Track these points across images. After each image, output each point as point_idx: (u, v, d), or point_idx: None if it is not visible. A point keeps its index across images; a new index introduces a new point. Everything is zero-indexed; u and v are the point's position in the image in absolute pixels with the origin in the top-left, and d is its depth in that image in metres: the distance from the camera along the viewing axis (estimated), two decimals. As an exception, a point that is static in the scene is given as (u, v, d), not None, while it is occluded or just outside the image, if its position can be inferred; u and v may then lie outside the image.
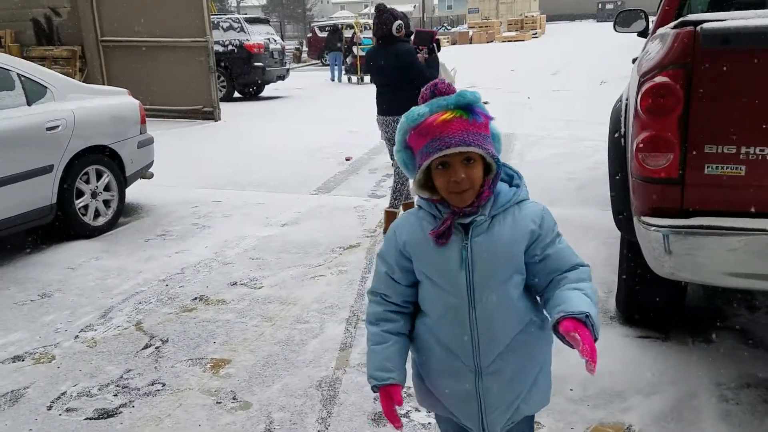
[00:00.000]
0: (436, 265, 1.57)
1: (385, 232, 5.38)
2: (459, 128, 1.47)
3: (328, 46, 20.36)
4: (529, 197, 1.61)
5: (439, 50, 5.33)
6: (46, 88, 5.01)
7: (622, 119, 2.96)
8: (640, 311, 3.25)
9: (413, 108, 1.53)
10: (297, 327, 3.55)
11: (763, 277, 2.34)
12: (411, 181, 1.61)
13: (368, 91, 14.72)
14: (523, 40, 36.71)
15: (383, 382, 1.60)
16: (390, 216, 5.20)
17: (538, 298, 1.63)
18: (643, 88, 2.39)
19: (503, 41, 36.63)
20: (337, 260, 4.58)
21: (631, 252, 2.94)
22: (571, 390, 2.81)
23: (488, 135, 1.52)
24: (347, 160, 8.26)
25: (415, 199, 1.65)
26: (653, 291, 3.05)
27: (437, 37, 5.39)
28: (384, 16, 5.04)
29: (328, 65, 20.61)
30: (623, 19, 5.19)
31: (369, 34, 18.55)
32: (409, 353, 1.70)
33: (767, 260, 2.26)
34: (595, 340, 1.43)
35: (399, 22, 5.09)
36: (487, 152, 1.49)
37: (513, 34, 38.84)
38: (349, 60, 18.79)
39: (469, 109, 1.49)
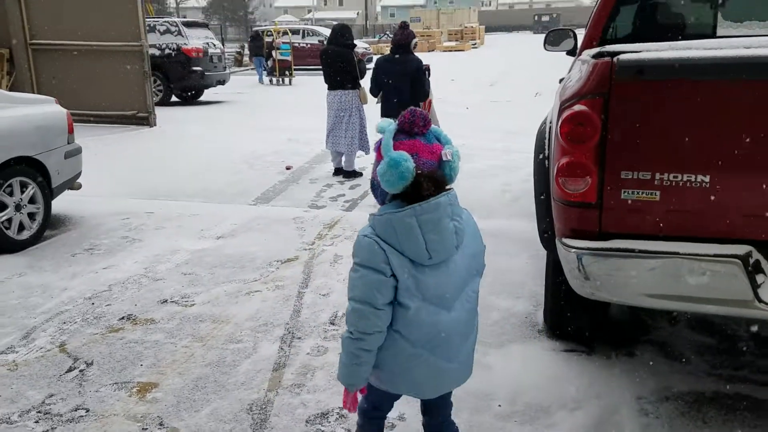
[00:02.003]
0: None
1: None
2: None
3: (253, 51, 22.15)
4: (367, 229, 1.86)
5: (429, 76, 6.67)
6: (-34, 96, 4.80)
7: (546, 141, 3.05)
8: (565, 325, 3.35)
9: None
10: (229, 347, 3.49)
11: (676, 298, 2.44)
12: None
13: (306, 98, 14.64)
14: (463, 50, 37.35)
15: None
16: None
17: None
18: (563, 116, 2.47)
19: (444, 50, 37.16)
20: (273, 275, 4.54)
21: (556, 269, 3.02)
22: (500, 406, 2.87)
23: (378, 160, 1.83)
24: (287, 169, 8.21)
25: None
26: (577, 306, 3.15)
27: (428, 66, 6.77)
28: (407, 32, 6.36)
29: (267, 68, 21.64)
30: (553, 39, 5.34)
31: (287, 39, 21.30)
32: None
33: (680, 282, 2.37)
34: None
35: (416, 39, 6.52)
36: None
37: (453, 44, 39.48)
38: (269, 63, 20.78)
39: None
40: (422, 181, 1.78)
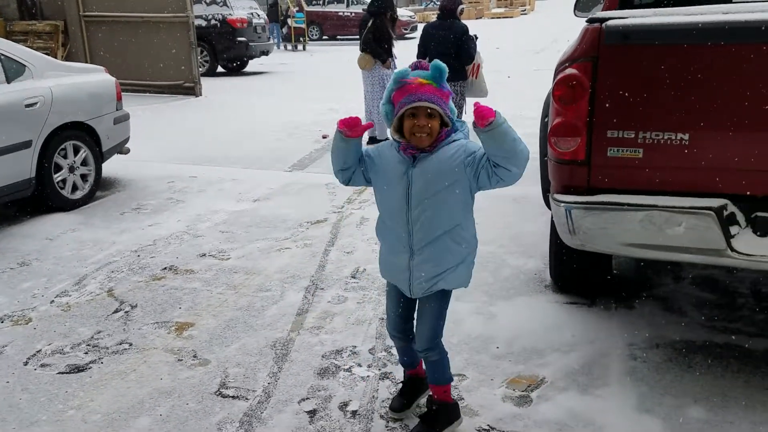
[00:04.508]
0: (390, 179, 2.27)
1: None
2: (429, 91, 2.13)
3: (270, 18, 23.44)
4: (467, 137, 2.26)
5: (476, 40, 6.96)
6: (25, 66, 5.21)
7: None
8: (568, 280, 3.56)
9: (401, 69, 2.18)
10: (259, 295, 3.83)
11: (655, 248, 2.63)
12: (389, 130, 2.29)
13: (347, 69, 14.86)
14: (511, 17, 36.71)
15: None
16: None
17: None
18: (556, 79, 2.66)
19: (492, 18, 36.60)
20: (303, 234, 4.85)
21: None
22: (497, 348, 3.13)
23: (448, 102, 2.17)
24: (324, 137, 8.48)
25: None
26: (579, 261, 3.35)
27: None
28: None
29: (314, 39, 23.97)
30: (583, 4, 5.40)
31: (300, 8, 22.63)
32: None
33: (659, 232, 2.56)
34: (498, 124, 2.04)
35: (462, 6, 6.93)
36: (444, 112, 2.16)
37: (502, 10, 38.78)
38: (284, 30, 22.53)
39: (439, 81, 2.14)
40: None
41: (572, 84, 2.60)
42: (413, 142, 2.19)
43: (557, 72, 2.70)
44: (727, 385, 2.82)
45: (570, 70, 2.62)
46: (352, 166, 2.29)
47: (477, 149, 2.18)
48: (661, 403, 2.70)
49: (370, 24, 7.57)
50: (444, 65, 2.15)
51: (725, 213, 2.51)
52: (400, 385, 2.76)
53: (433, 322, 2.39)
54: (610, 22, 2.55)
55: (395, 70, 2.20)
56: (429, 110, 2.14)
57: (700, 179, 2.56)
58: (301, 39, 22.42)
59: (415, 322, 2.48)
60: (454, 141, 2.21)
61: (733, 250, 2.51)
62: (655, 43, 2.51)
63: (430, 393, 2.54)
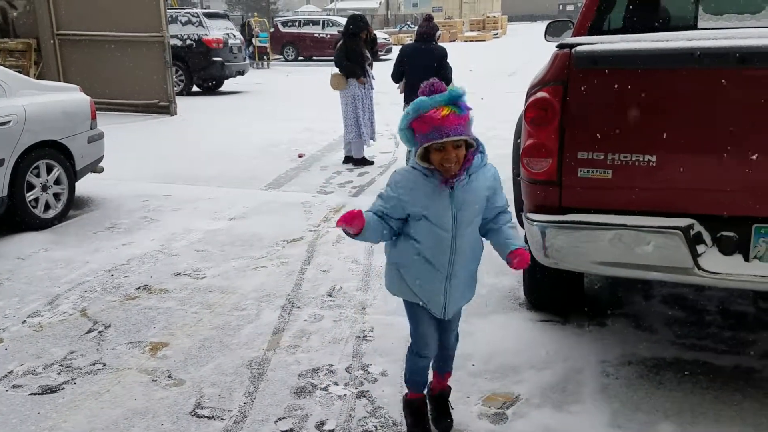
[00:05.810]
0: (432, 208, 2.24)
1: None
2: (453, 122, 2.09)
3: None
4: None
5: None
6: (-2, 84, 5.17)
7: (523, 126, 3.30)
8: (541, 298, 3.61)
9: (418, 99, 2.12)
10: (234, 314, 3.82)
11: (625, 266, 2.71)
12: (411, 152, 2.25)
13: (322, 89, 14.94)
14: (484, 40, 37.40)
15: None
16: None
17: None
18: (528, 102, 2.74)
19: (465, 41, 37.23)
20: (279, 253, 4.86)
21: (531, 245, 3.29)
22: (473, 365, 3.16)
23: (470, 121, 2.14)
24: (300, 156, 8.52)
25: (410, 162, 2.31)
26: (551, 280, 3.41)
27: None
28: (432, 24, 7.12)
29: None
30: (553, 30, 5.54)
31: (265, 28, 25.09)
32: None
33: (628, 251, 2.64)
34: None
35: (440, 31, 7.27)
36: (470, 137, 2.15)
37: (475, 34, 39.55)
38: (250, 49, 23.28)
39: (458, 104, 2.09)
40: None
41: (543, 107, 2.67)
42: (443, 172, 2.21)
43: (529, 95, 2.78)
44: (697, 401, 2.88)
45: (541, 94, 2.69)
46: (385, 229, 2.28)
47: (502, 204, 2.36)
48: (632, 420, 2.75)
49: (339, 44, 7.71)
50: (459, 89, 2.13)
51: (692, 232, 2.59)
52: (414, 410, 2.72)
53: (456, 327, 2.66)
54: (579, 48, 2.63)
55: (414, 101, 2.15)
56: (456, 142, 2.13)
57: (668, 199, 2.64)
58: (265, 57, 24.28)
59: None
60: (485, 165, 2.29)
61: (700, 268, 2.59)
62: (622, 68, 2.60)
63: (434, 384, 2.72)
